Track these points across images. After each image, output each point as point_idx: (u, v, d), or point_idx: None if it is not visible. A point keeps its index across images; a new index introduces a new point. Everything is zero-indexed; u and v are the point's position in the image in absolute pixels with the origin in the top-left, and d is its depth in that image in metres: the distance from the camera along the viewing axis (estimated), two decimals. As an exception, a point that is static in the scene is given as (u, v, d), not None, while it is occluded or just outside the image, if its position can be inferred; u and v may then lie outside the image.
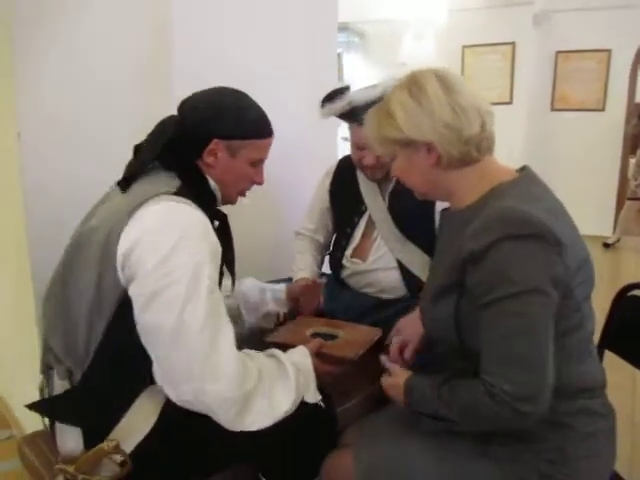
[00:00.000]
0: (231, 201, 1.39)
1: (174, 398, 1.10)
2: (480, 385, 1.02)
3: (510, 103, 5.79)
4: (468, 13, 5.79)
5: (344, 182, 1.99)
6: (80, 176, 1.57)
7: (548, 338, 1.01)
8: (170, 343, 1.07)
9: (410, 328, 1.46)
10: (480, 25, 5.79)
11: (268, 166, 1.36)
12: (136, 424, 1.14)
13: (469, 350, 1.10)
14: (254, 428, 1.13)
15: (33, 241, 1.67)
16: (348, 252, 1.95)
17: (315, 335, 1.48)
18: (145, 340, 1.10)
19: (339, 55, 6.13)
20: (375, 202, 1.91)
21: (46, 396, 1.25)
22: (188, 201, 1.17)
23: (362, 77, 5.93)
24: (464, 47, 6.00)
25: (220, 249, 1.18)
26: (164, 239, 1.09)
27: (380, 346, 1.57)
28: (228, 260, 1.35)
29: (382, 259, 1.89)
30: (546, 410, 1.00)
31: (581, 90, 5.92)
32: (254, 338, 1.54)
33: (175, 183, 1.21)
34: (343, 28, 5.83)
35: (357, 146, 1.84)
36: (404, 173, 1.21)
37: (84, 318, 1.13)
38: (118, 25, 1.75)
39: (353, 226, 1.95)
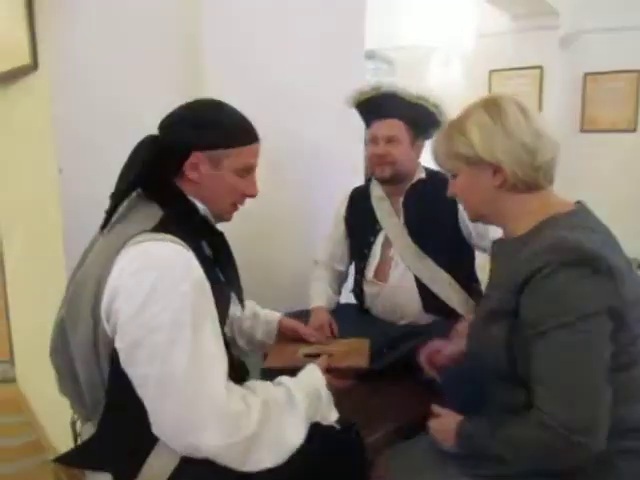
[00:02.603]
0: (224, 218, 1.31)
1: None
2: (533, 418, 1.02)
3: (539, 126, 5.75)
4: (494, 38, 5.81)
5: (358, 207, 2.02)
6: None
7: (603, 368, 1.00)
8: (156, 395, 1.02)
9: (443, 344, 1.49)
10: (507, 49, 5.79)
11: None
12: (160, 465, 1.11)
13: (520, 377, 1.10)
14: (260, 468, 1.07)
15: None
16: (369, 273, 1.95)
17: (308, 356, 1.45)
18: (138, 392, 1.06)
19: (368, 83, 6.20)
20: (390, 220, 1.93)
21: (78, 429, 1.26)
22: (168, 236, 1.09)
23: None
24: (491, 72, 6.00)
25: (207, 282, 1.11)
26: (138, 286, 1.02)
27: (412, 368, 1.57)
28: (230, 279, 1.30)
29: (402, 278, 1.89)
30: (603, 443, 0.99)
31: (611, 111, 5.85)
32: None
33: (156, 215, 1.14)
34: (371, 55, 5.91)
35: (372, 140, 1.89)
36: (464, 191, 1.22)
37: (84, 373, 1.11)
38: (150, 51, 1.82)
39: (369, 246, 1.96)
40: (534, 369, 1.04)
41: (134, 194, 1.22)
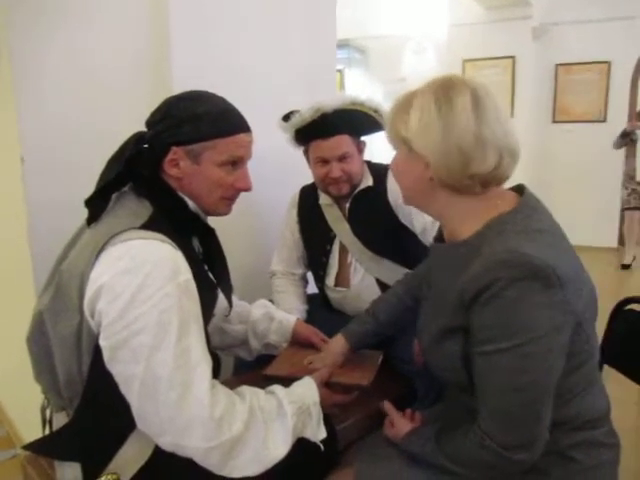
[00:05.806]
0: (217, 213, 1.26)
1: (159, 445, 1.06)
2: (473, 437, 1.02)
3: (511, 116, 5.83)
4: (468, 28, 5.85)
5: (310, 211, 1.98)
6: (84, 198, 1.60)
7: (549, 388, 0.98)
8: (141, 395, 1.01)
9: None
10: (480, 39, 5.85)
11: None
12: (132, 456, 1.11)
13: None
14: (240, 475, 1.05)
15: (37, 265, 1.68)
16: (330, 281, 1.95)
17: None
18: (121, 390, 1.05)
19: (341, 71, 6.20)
20: (342, 227, 1.90)
21: (47, 417, 1.24)
22: (156, 234, 1.07)
23: (364, 92, 5.97)
24: (465, 61, 6.06)
25: (193, 283, 1.08)
26: (124, 287, 1.00)
27: (388, 358, 1.56)
28: (219, 276, 1.28)
29: (363, 281, 1.88)
30: (539, 453, 0.99)
31: (582, 101, 5.95)
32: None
33: (146, 212, 1.12)
34: (344, 44, 5.90)
35: (321, 161, 1.79)
36: (398, 171, 1.12)
37: (62, 368, 1.09)
38: (118, 41, 1.78)
39: (327, 254, 1.93)
40: (477, 386, 1.02)
41: (125, 188, 1.18)
